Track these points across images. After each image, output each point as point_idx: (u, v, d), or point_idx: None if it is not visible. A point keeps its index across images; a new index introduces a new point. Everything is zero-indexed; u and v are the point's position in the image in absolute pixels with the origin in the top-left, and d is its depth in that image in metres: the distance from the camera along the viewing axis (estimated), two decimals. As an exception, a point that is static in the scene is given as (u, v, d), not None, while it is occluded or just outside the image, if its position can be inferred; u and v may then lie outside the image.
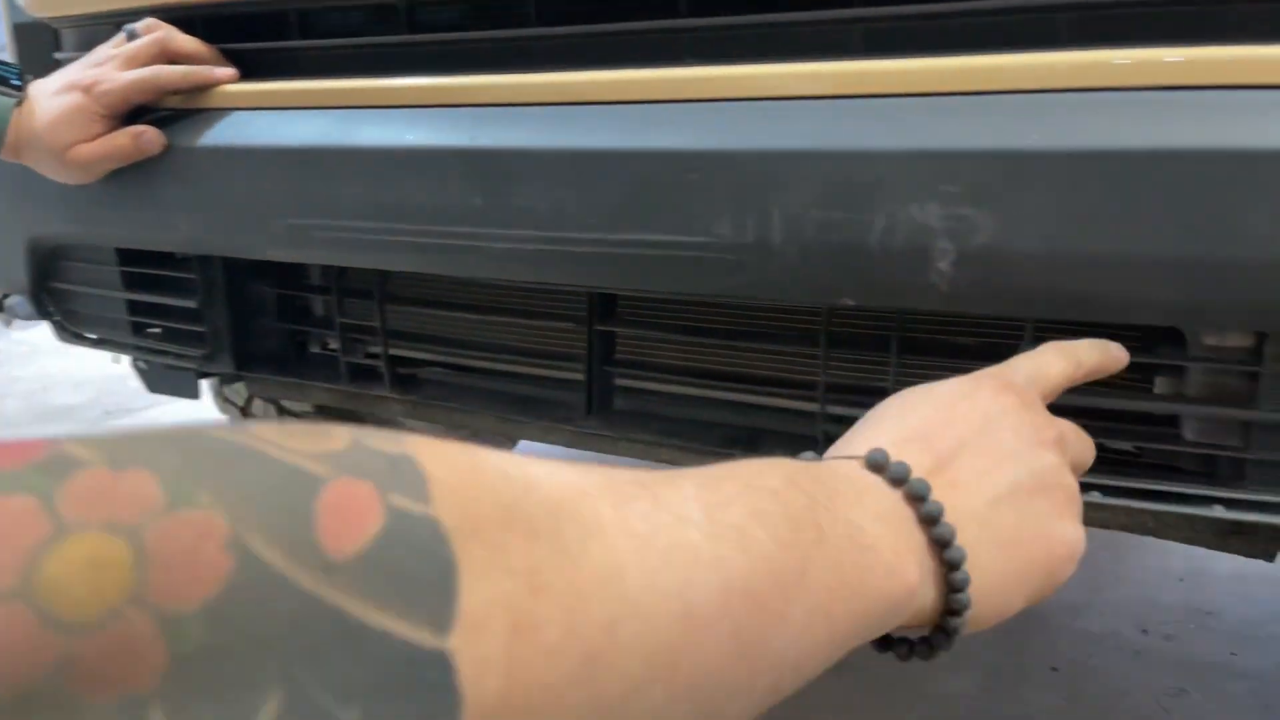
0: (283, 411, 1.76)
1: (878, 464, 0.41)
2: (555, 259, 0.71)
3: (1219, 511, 0.58)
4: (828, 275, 0.63)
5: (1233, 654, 1.54)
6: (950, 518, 0.40)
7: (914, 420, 0.45)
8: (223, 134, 0.86)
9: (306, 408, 1.77)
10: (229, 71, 0.88)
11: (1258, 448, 0.58)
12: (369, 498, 0.23)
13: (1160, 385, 0.68)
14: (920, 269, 0.60)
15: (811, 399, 0.80)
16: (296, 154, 0.81)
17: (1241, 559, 1.32)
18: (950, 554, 0.39)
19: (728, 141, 0.63)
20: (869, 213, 0.60)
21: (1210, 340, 0.59)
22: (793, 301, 0.67)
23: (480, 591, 0.24)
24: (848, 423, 0.81)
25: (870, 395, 0.79)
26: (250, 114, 0.86)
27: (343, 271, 0.98)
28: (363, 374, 1.01)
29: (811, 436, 0.81)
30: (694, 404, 0.91)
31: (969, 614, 0.40)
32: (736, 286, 0.67)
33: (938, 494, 0.40)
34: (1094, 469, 0.61)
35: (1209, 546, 0.71)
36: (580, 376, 0.89)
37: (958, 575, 0.39)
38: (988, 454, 0.43)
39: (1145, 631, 1.60)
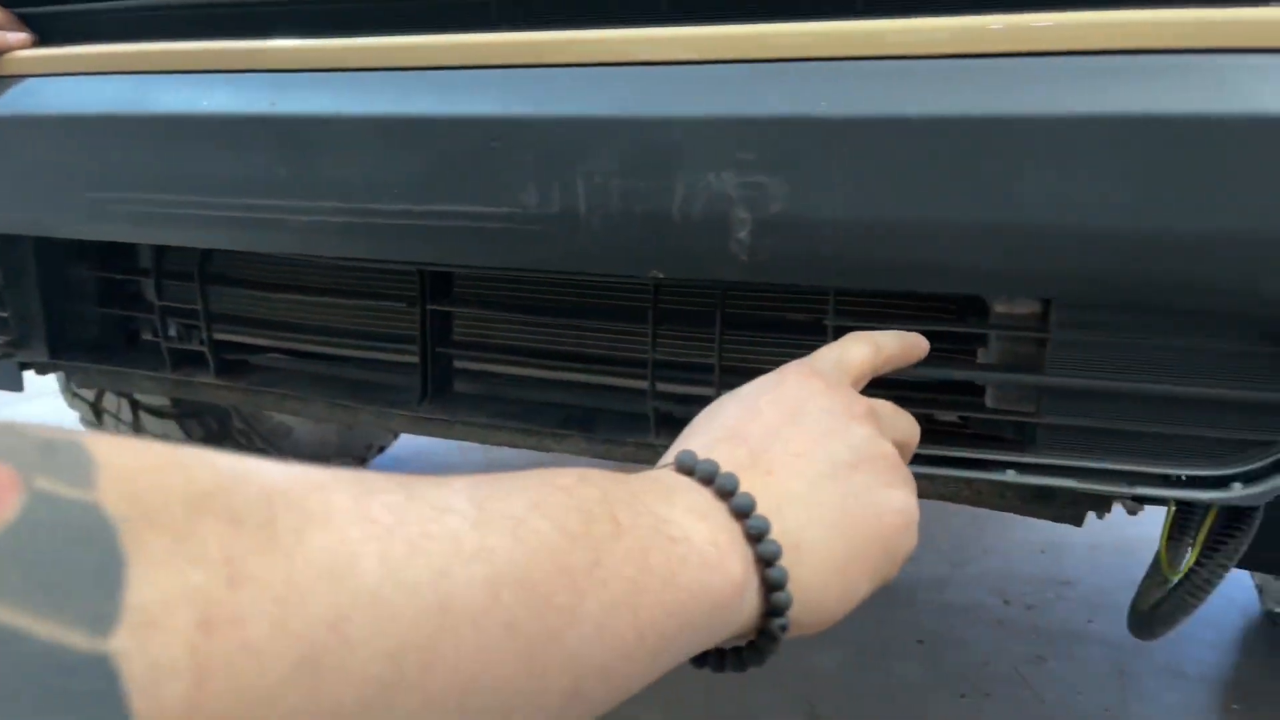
0: (137, 407, 1.67)
1: (686, 465, 0.40)
2: (363, 232, 0.68)
3: (1010, 476, 0.59)
4: (634, 246, 0.62)
5: (1089, 621, 1.60)
6: (766, 508, 0.39)
7: (723, 421, 0.45)
8: (16, 102, 0.80)
9: (164, 402, 1.69)
10: (22, 36, 0.82)
11: (1046, 412, 0.59)
12: (7, 479, 0.20)
13: (981, 356, 0.69)
14: (721, 239, 0.59)
15: (642, 376, 0.79)
16: (93, 122, 0.76)
17: (1098, 529, 1.37)
18: (763, 548, 0.38)
19: (530, 108, 0.61)
20: (669, 181, 0.59)
21: (1001, 308, 0.59)
22: (604, 273, 0.66)
23: (156, 584, 0.21)
24: (678, 400, 0.81)
25: (698, 371, 0.79)
26: (45, 80, 0.80)
27: (162, 251, 0.93)
28: (188, 361, 0.96)
29: (643, 414, 0.80)
30: (532, 386, 0.89)
31: (793, 612, 0.39)
32: (546, 258, 0.65)
33: (754, 487, 0.39)
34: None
35: (1019, 512, 0.73)
36: (414, 359, 0.87)
37: (773, 572, 0.38)
38: (800, 438, 0.43)
39: (1007, 602, 1.65)
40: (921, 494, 0.77)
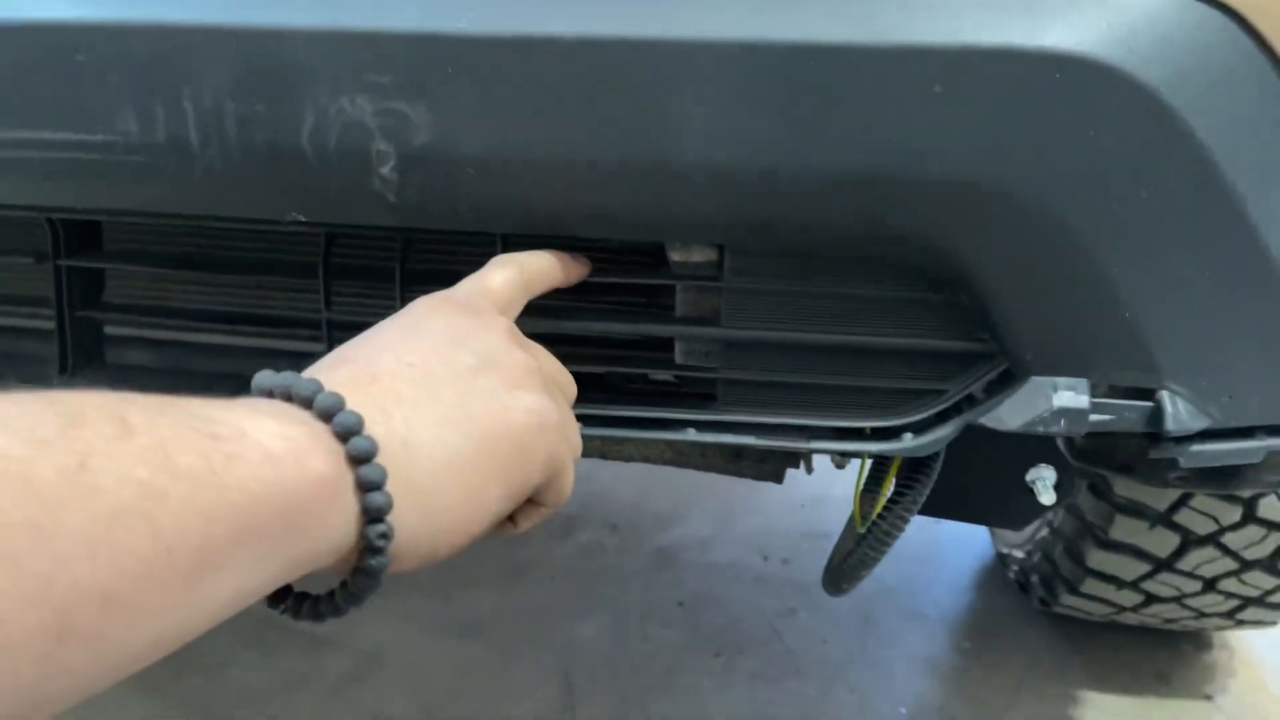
0: None
1: (263, 387, 0.36)
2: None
3: (691, 435, 0.55)
4: (262, 184, 0.53)
5: (841, 571, 1.66)
6: (368, 412, 0.35)
7: (340, 352, 0.44)
8: None
9: None
10: None
11: (724, 367, 0.56)
12: None
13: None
14: (363, 176, 0.52)
15: (318, 339, 0.70)
16: None
17: (851, 484, 1.39)
18: (354, 444, 0.34)
19: (118, 12, 0.51)
20: (294, 106, 0.50)
21: (677, 256, 0.55)
22: (236, 216, 0.56)
23: None
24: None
25: (380, 332, 0.71)
26: None
27: None
28: None
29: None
30: (206, 353, 0.78)
31: (405, 518, 0.35)
32: (162, 197, 0.55)
33: (354, 395, 0.36)
34: (585, 400, 0.56)
35: (722, 472, 0.70)
36: (50, 325, 0.73)
37: (366, 470, 0.34)
38: (417, 348, 0.42)
39: (766, 558, 1.68)
40: (626, 457, 0.73)
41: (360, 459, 0.34)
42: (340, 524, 0.34)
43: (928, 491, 0.60)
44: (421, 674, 1.32)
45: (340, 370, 0.40)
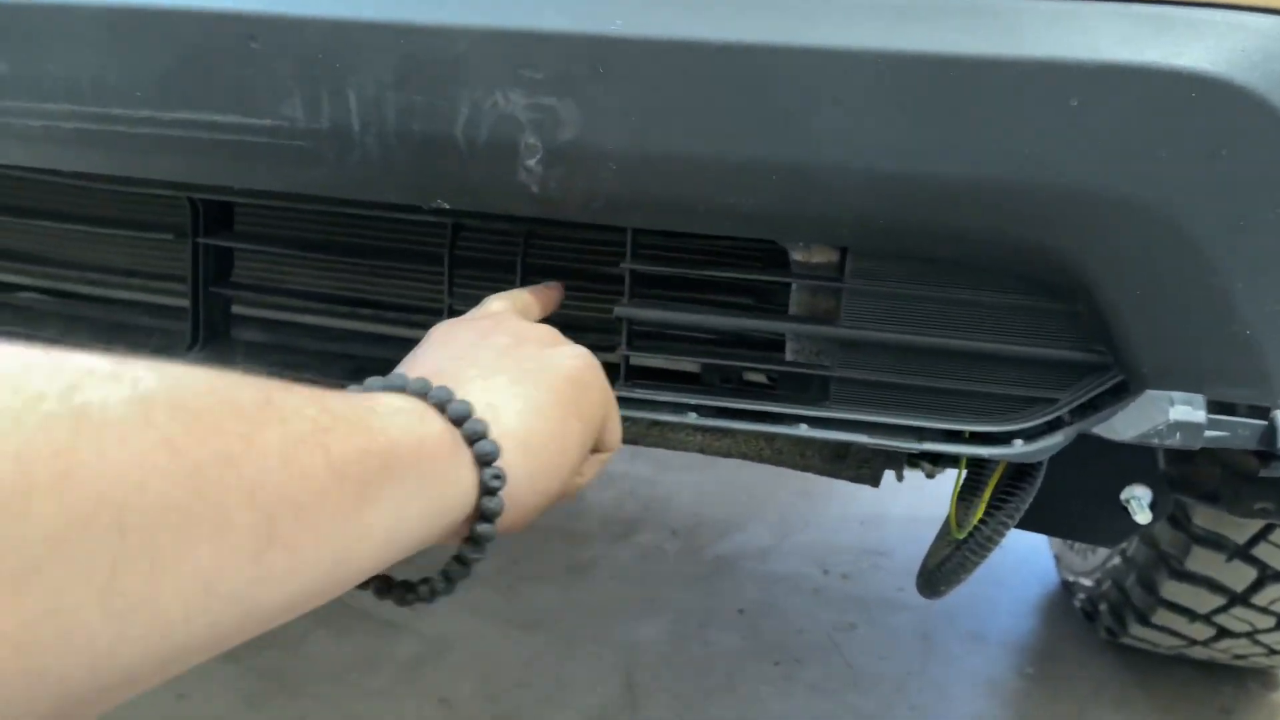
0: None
1: (370, 386, 0.41)
2: (102, 141, 0.59)
3: (803, 430, 0.57)
4: (415, 171, 0.56)
5: (900, 589, 1.66)
6: (459, 390, 0.41)
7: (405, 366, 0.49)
8: None
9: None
10: None
11: (839, 366, 0.58)
12: None
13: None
14: (510, 167, 0.54)
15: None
16: None
17: (917, 502, 1.39)
18: (454, 408, 0.39)
19: (294, 6, 0.54)
20: (451, 99, 0.53)
21: (799, 256, 0.57)
22: (384, 201, 0.59)
23: None
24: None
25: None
26: None
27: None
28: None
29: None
30: (322, 335, 0.82)
31: (509, 459, 0.40)
32: (318, 181, 0.58)
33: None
34: (694, 390, 0.59)
35: (819, 472, 0.71)
36: (185, 302, 0.77)
37: (472, 424, 0.39)
38: (456, 349, 0.48)
39: (825, 571, 1.69)
40: (724, 452, 0.75)
41: (461, 419, 0.39)
42: (464, 471, 0.39)
43: (1030, 499, 0.61)
44: (486, 662, 1.35)
45: (410, 373, 0.44)
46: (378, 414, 0.36)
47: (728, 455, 0.73)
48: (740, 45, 0.50)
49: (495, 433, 0.40)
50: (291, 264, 0.81)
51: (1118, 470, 0.75)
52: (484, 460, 0.39)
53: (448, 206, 0.58)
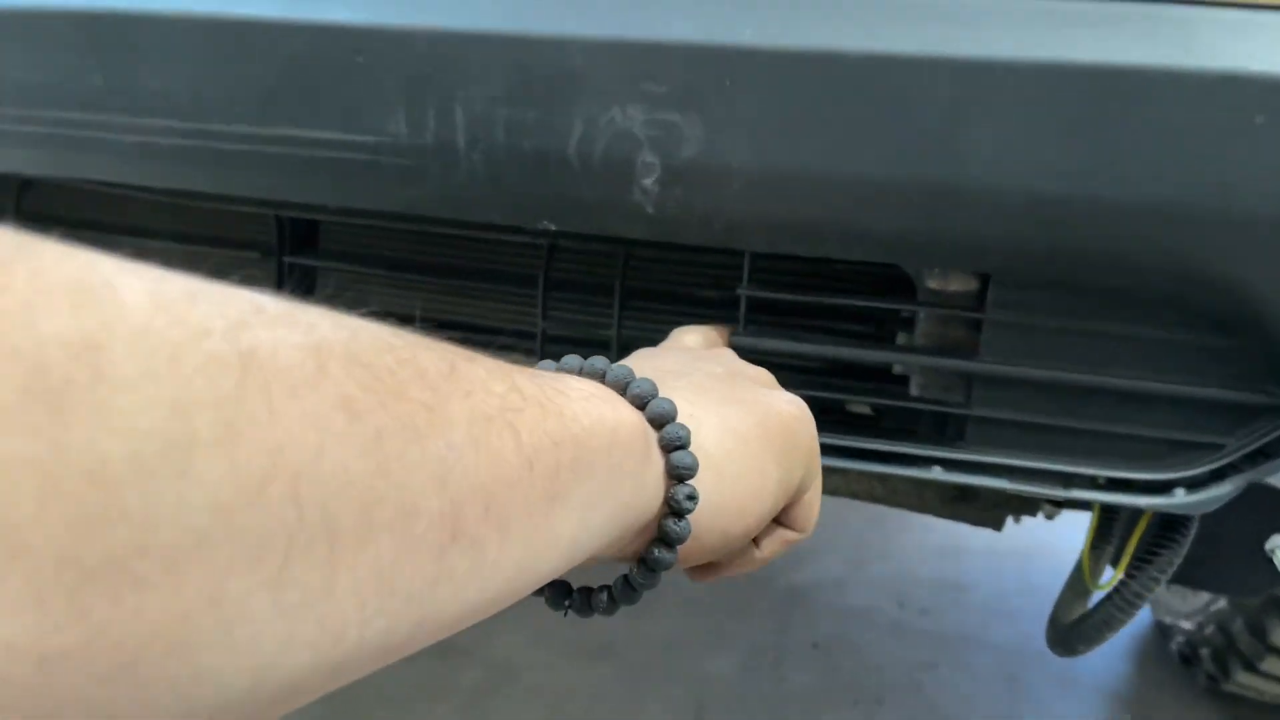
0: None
1: (562, 366, 0.37)
2: (197, 157, 0.57)
3: (937, 473, 0.53)
4: (522, 190, 0.53)
5: (984, 627, 1.58)
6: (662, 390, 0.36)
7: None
8: None
9: None
10: None
11: (977, 404, 0.53)
12: None
13: (900, 340, 0.62)
14: (624, 186, 0.51)
15: (531, 350, 0.70)
16: None
17: (992, 534, 1.33)
18: (654, 406, 0.35)
19: (402, 17, 0.52)
20: (564, 114, 0.50)
21: (933, 284, 0.53)
22: (487, 220, 0.56)
23: None
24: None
25: (593, 347, 0.70)
26: None
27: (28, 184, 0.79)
28: None
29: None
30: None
31: (702, 482, 0.35)
32: (420, 200, 0.55)
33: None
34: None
35: (937, 514, 0.67)
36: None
37: (671, 430, 0.34)
38: (670, 363, 0.44)
39: (902, 606, 1.62)
40: (831, 490, 0.70)
41: (661, 420, 0.34)
42: (652, 480, 0.34)
43: (1183, 552, 0.55)
44: (553, 693, 1.31)
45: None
46: (569, 398, 0.30)
47: (834, 493, 0.68)
48: (886, 57, 0.45)
49: (693, 445, 0.35)
50: (375, 284, 0.79)
51: (1259, 518, 0.68)
52: (679, 474, 0.34)
53: (554, 228, 0.55)
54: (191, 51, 0.55)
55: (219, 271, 0.68)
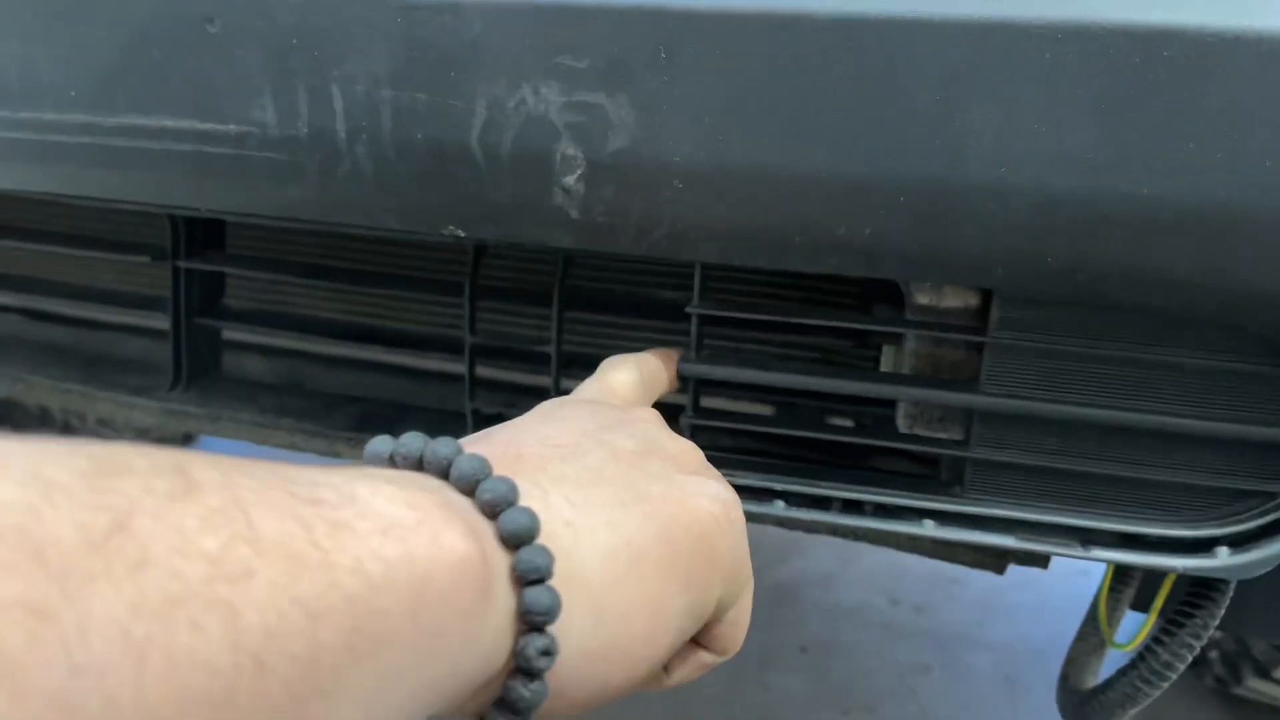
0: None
1: (380, 453, 0.28)
2: (32, 153, 0.47)
3: (929, 528, 0.43)
4: (418, 191, 0.43)
5: (978, 624, 1.51)
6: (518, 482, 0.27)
7: (466, 439, 0.34)
8: None
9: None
10: None
11: (979, 443, 0.43)
12: None
13: (884, 363, 0.53)
14: (542, 186, 0.41)
15: (458, 361, 0.60)
16: None
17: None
18: (507, 521, 0.26)
19: (260, -23, 0.41)
20: (464, 96, 0.40)
21: (923, 299, 0.43)
22: (381, 227, 0.47)
23: None
24: (502, 390, 0.63)
25: (528, 361, 0.61)
26: None
27: None
28: None
29: (459, 413, 0.61)
30: (326, 366, 0.70)
31: (570, 625, 0.26)
32: (298, 203, 0.45)
33: (498, 471, 0.27)
34: (782, 470, 0.45)
35: (929, 556, 0.58)
36: (165, 326, 0.66)
37: (525, 554, 0.25)
38: (565, 434, 0.33)
39: (895, 603, 1.54)
40: (792, 525, 0.61)
41: (517, 538, 0.25)
42: (495, 625, 0.25)
43: (1220, 614, 0.46)
44: (525, 708, 1.24)
45: (474, 448, 0.29)
46: (354, 532, 0.21)
47: (813, 532, 0.59)
48: (864, 19, 0.36)
49: (562, 571, 0.26)
50: (296, 288, 0.69)
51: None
52: (534, 620, 0.25)
53: (462, 234, 0.45)
54: (15, 22, 0.45)
55: (120, 277, 0.57)
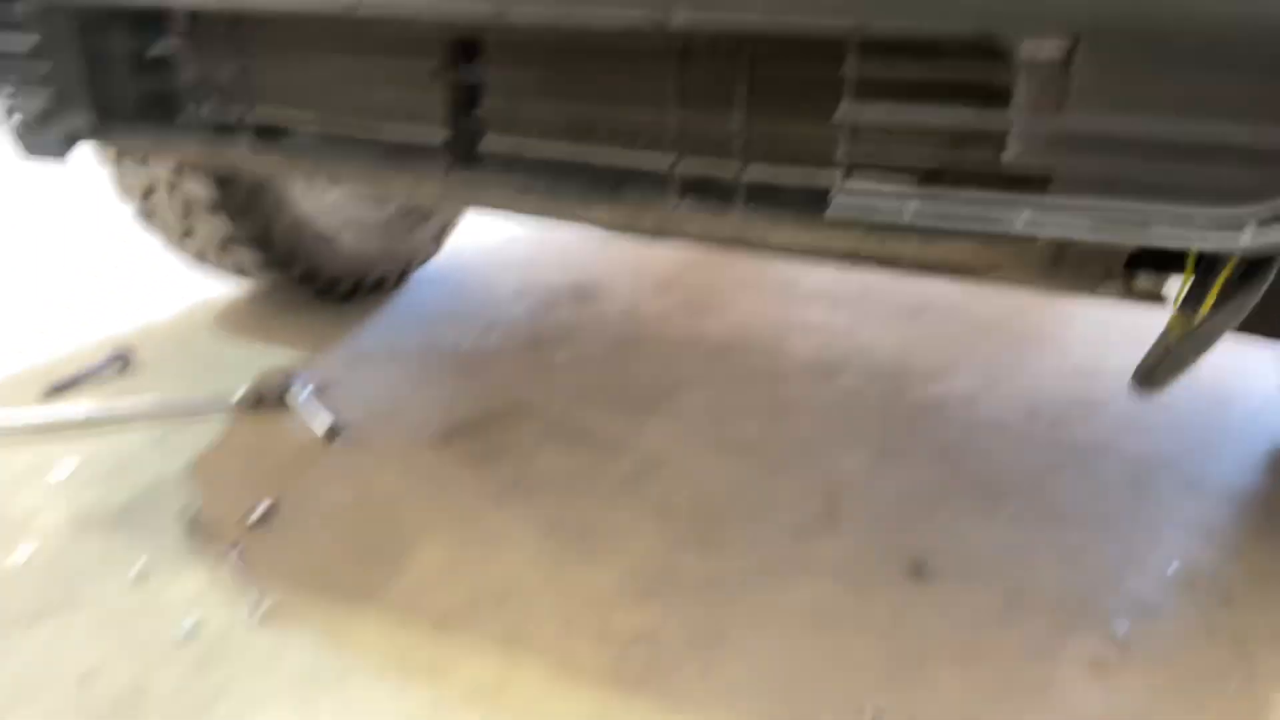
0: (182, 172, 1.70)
1: None
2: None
3: (1026, 217, 0.59)
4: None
5: (1112, 438, 1.62)
6: None
7: None
8: None
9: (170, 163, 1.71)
10: None
11: (1065, 161, 0.59)
12: None
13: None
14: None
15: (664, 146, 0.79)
16: None
17: (1132, 358, 1.36)
18: None
19: None
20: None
21: (1026, 52, 0.58)
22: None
23: None
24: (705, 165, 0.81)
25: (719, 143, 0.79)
26: None
27: (195, 19, 0.93)
28: (226, 131, 0.98)
29: (669, 179, 0.80)
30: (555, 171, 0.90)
31: None
32: None
33: None
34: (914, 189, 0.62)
35: (1035, 284, 0.73)
36: (443, 132, 0.87)
37: None
38: None
39: (1032, 418, 1.67)
40: (943, 259, 0.77)
41: None
42: None
43: (1257, 296, 0.60)
44: (698, 479, 1.47)
45: None
46: None
47: (941, 266, 0.76)
48: None
49: None
50: (530, 96, 0.89)
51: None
52: None
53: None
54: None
55: (399, 94, 0.80)
